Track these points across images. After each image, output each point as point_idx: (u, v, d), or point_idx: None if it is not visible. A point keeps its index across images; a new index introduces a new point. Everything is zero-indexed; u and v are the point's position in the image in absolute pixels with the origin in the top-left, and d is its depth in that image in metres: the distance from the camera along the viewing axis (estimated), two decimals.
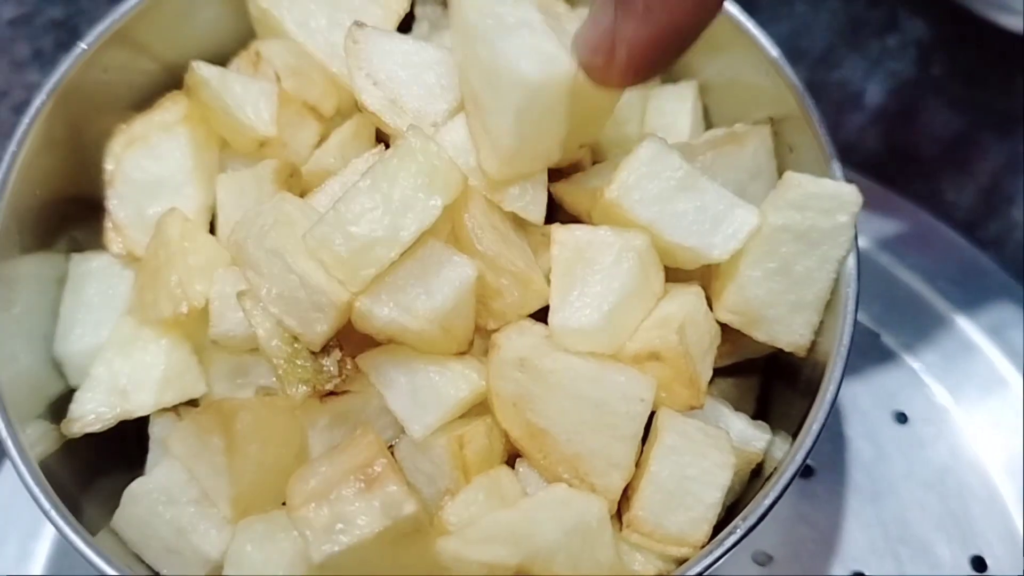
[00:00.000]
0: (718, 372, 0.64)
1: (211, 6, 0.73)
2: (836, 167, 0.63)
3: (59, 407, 0.64)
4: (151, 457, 0.64)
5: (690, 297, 0.61)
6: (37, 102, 0.66)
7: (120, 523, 0.61)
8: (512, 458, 0.61)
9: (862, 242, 0.62)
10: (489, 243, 0.58)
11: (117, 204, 0.68)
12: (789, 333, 0.62)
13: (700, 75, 0.74)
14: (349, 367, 0.58)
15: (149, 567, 0.61)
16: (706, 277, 0.63)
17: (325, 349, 0.57)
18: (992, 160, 0.95)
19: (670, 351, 0.57)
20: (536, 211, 0.62)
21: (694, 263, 0.61)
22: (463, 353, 0.59)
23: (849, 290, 0.60)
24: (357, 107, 0.67)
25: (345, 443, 0.57)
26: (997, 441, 0.81)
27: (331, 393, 0.58)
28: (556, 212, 0.65)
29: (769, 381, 0.72)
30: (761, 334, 0.62)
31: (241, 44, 0.72)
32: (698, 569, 0.55)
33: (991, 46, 0.99)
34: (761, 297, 0.61)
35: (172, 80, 0.71)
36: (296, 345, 0.57)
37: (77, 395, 0.64)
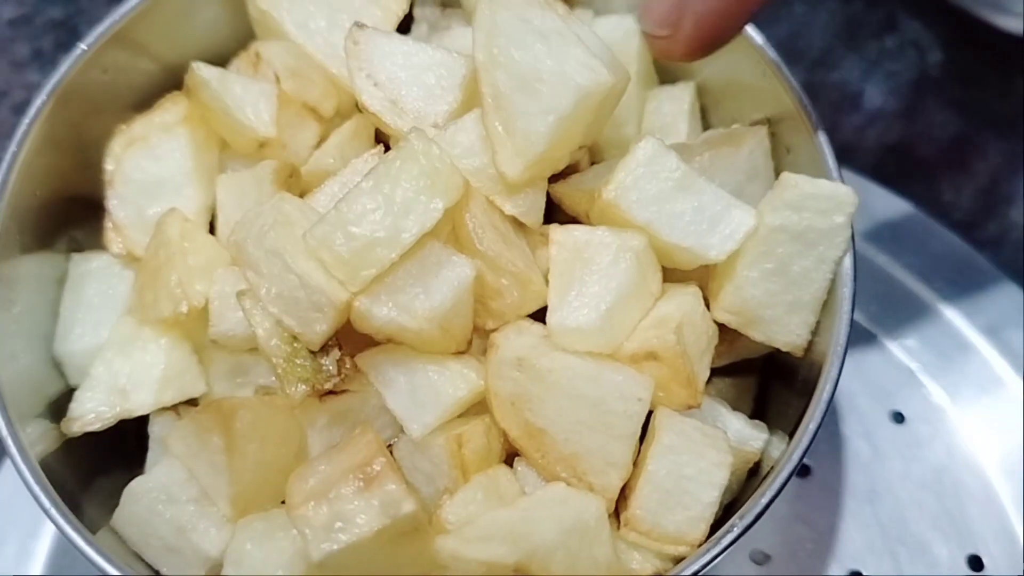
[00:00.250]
0: (715, 372, 0.64)
1: (211, 7, 0.73)
2: (833, 168, 0.64)
3: (59, 406, 0.65)
4: (151, 456, 0.65)
5: (687, 297, 0.61)
6: (37, 102, 0.66)
7: (120, 522, 0.61)
8: (510, 457, 0.61)
9: (860, 242, 0.63)
10: (490, 243, 0.58)
11: (117, 204, 0.68)
12: (786, 333, 0.62)
13: (698, 76, 0.74)
14: (348, 366, 0.58)
15: (149, 566, 0.61)
16: (703, 277, 0.63)
17: (324, 348, 0.58)
18: (990, 161, 0.96)
19: (667, 351, 0.58)
20: (534, 215, 0.62)
21: (691, 263, 0.61)
22: (461, 353, 0.59)
23: (846, 290, 0.61)
24: (356, 108, 0.68)
25: (344, 442, 0.58)
26: (994, 441, 0.82)
27: (330, 392, 0.59)
28: (554, 213, 0.65)
29: (766, 381, 0.72)
30: (758, 334, 0.62)
31: (241, 45, 0.72)
32: (695, 568, 0.55)
33: (989, 47, 0.99)
34: (758, 297, 0.61)
35: (172, 81, 0.72)
36: (295, 344, 0.57)
37: (77, 394, 0.64)
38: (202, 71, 0.66)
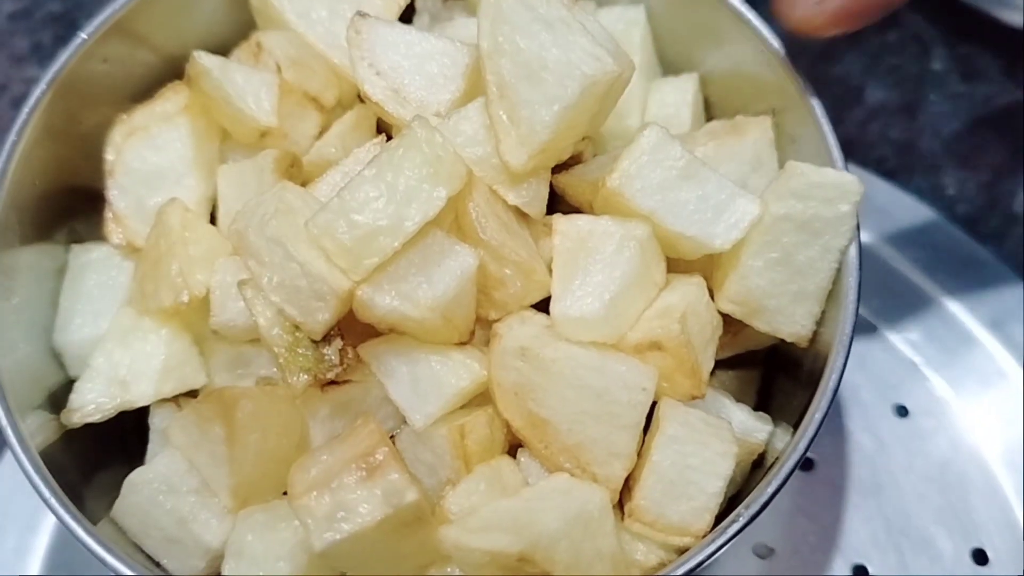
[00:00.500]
0: (719, 364, 0.64)
1: None
2: (839, 157, 0.63)
3: (59, 398, 0.64)
4: (151, 448, 0.64)
5: (692, 287, 0.61)
6: (37, 92, 0.66)
7: (120, 513, 0.61)
8: (513, 448, 0.61)
9: (863, 237, 0.62)
10: (493, 232, 0.58)
11: (117, 194, 0.68)
12: (791, 323, 0.62)
13: (701, 67, 0.74)
14: (350, 356, 0.58)
15: (149, 557, 0.61)
16: (707, 268, 0.63)
17: (326, 338, 0.57)
18: (992, 155, 0.95)
19: (672, 341, 0.57)
20: (537, 205, 0.62)
21: (696, 253, 0.61)
22: (464, 343, 0.59)
23: (851, 279, 0.60)
24: (358, 98, 0.68)
25: (346, 432, 0.57)
26: (997, 434, 0.81)
27: (332, 382, 0.58)
28: (557, 204, 0.65)
29: (770, 374, 0.72)
30: (763, 324, 0.62)
31: (242, 35, 0.72)
32: (700, 558, 0.55)
33: (991, 41, 0.99)
34: (763, 287, 0.61)
35: (172, 71, 0.71)
36: (297, 334, 0.57)
37: (77, 385, 0.63)
38: (203, 60, 0.65)
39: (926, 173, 0.95)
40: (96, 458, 0.65)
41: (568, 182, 0.65)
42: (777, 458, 0.60)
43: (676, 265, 0.62)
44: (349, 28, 0.63)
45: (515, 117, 0.58)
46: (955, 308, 0.87)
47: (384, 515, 0.52)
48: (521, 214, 0.62)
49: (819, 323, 0.62)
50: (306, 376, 0.57)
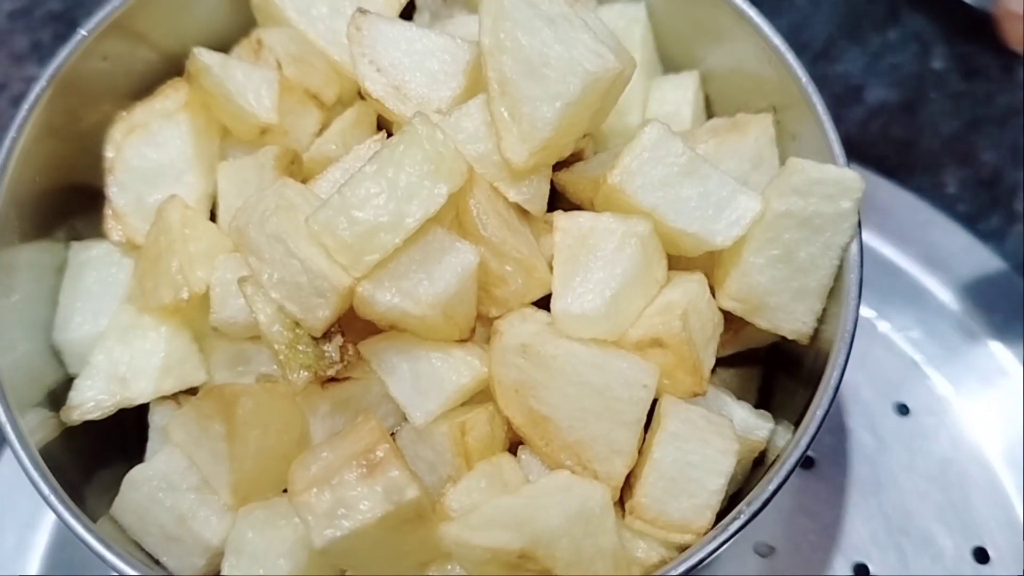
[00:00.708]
0: (719, 363, 0.64)
1: None
2: (840, 154, 0.63)
3: (58, 395, 0.64)
4: (151, 445, 0.64)
5: (693, 284, 0.61)
6: (37, 88, 0.66)
7: (120, 510, 0.61)
8: (514, 445, 0.60)
9: (864, 234, 0.62)
10: (494, 229, 0.58)
11: (117, 192, 0.68)
12: (792, 321, 0.62)
13: (702, 64, 0.74)
14: (351, 353, 0.58)
15: (149, 554, 0.61)
16: (709, 265, 0.63)
17: (327, 335, 0.57)
18: (993, 153, 0.95)
19: (673, 338, 0.57)
20: (538, 202, 0.62)
21: (697, 250, 0.60)
22: (465, 340, 0.59)
23: (853, 276, 0.60)
24: (358, 95, 0.67)
25: (347, 429, 0.57)
26: (998, 432, 0.81)
27: (333, 380, 0.58)
28: (557, 201, 0.65)
29: (771, 372, 0.72)
30: (764, 322, 0.62)
31: (242, 32, 0.72)
32: (701, 556, 0.55)
33: (992, 39, 0.98)
34: (764, 284, 0.60)
35: (172, 68, 0.71)
36: (298, 331, 0.57)
37: (76, 383, 0.63)
38: (204, 57, 0.65)
39: (926, 171, 0.95)
40: (96, 456, 0.65)
41: (569, 179, 0.64)
42: (778, 456, 0.60)
43: (677, 262, 0.62)
44: (350, 25, 0.63)
45: (517, 114, 0.58)
46: (956, 306, 0.86)
47: (385, 512, 0.52)
48: (522, 211, 0.62)
49: (820, 320, 0.62)
50: (306, 373, 0.57)
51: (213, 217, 0.68)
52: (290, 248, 0.55)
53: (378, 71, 0.63)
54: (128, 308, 0.65)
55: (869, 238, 0.88)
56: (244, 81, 0.65)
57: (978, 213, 0.93)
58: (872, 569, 0.78)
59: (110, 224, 0.68)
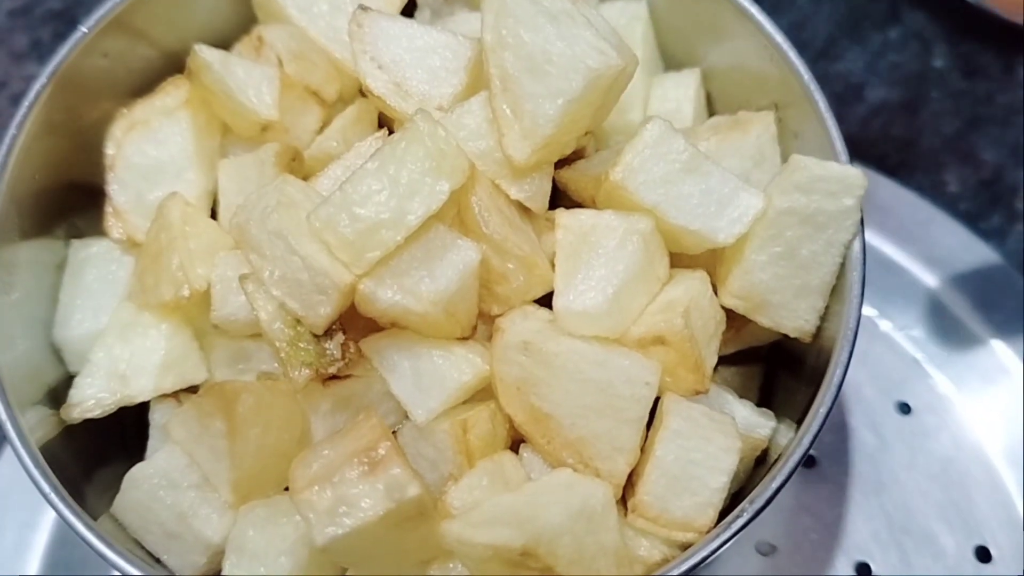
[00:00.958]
0: (722, 360, 0.64)
1: None
2: (842, 152, 0.63)
3: (59, 393, 0.64)
4: (151, 443, 0.64)
5: (695, 282, 0.60)
6: (37, 86, 0.65)
7: (120, 508, 0.61)
8: (516, 443, 0.60)
9: (865, 234, 0.62)
10: (496, 226, 0.58)
11: (118, 189, 0.68)
12: (794, 318, 0.62)
13: (703, 62, 0.74)
14: (352, 351, 0.57)
15: (150, 553, 0.61)
16: (711, 263, 0.63)
17: (328, 332, 0.57)
18: (994, 151, 0.95)
19: (675, 335, 0.57)
20: (540, 200, 0.62)
21: (699, 247, 0.60)
22: (466, 338, 0.59)
23: (855, 274, 0.60)
24: (359, 92, 0.67)
25: (348, 427, 0.57)
26: (1000, 430, 0.81)
27: (334, 377, 0.58)
28: (559, 199, 0.65)
29: (772, 371, 0.71)
30: (766, 319, 0.62)
31: (242, 29, 0.72)
32: (703, 554, 0.55)
33: (992, 38, 0.99)
34: (766, 282, 0.60)
35: (173, 65, 0.71)
36: (299, 328, 0.57)
37: (76, 380, 0.63)
38: (204, 54, 0.65)
39: (928, 170, 0.95)
40: (96, 454, 0.65)
41: (570, 177, 0.64)
42: (780, 454, 0.60)
43: (679, 259, 0.62)
44: (351, 22, 0.63)
45: (518, 111, 0.58)
46: (957, 305, 0.86)
47: (386, 510, 0.52)
48: (524, 209, 0.62)
49: (822, 318, 0.62)
50: (307, 370, 0.57)
51: (214, 214, 0.68)
52: (291, 245, 0.55)
53: (379, 68, 0.62)
54: (128, 305, 0.65)
55: (870, 237, 0.86)
56: (245, 78, 0.65)
57: (979, 212, 0.93)
58: (874, 568, 0.78)
59: (110, 221, 0.67)
